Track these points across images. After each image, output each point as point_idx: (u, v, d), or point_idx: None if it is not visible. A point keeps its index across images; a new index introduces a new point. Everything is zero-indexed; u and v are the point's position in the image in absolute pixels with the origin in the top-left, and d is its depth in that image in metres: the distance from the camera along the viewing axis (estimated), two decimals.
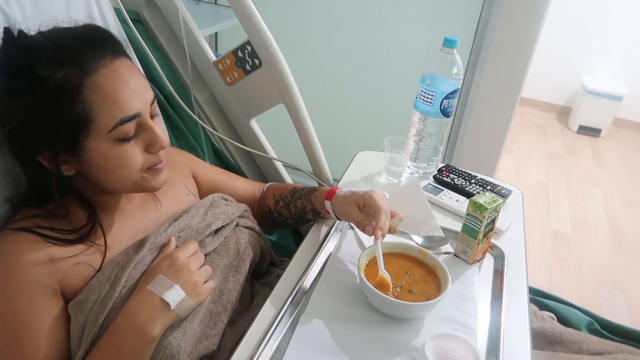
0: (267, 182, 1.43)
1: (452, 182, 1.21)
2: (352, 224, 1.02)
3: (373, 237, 0.86)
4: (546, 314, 1.10)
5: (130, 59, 0.74)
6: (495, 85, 1.75)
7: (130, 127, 0.69)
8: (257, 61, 1.15)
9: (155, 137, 0.72)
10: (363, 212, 0.89)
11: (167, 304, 0.70)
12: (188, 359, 0.75)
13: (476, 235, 0.92)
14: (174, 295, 0.71)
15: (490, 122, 1.85)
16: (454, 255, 0.97)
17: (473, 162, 1.96)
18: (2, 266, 0.68)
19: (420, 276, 0.85)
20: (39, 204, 0.75)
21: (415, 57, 1.90)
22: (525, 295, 0.90)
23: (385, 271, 0.83)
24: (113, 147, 0.69)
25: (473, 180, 1.22)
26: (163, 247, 0.79)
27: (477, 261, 0.96)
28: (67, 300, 0.72)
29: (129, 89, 0.69)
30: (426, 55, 1.14)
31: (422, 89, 1.15)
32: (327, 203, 0.94)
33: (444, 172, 1.25)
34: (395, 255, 0.89)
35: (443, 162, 1.29)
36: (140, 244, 0.78)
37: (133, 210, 0.84)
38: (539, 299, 1.18)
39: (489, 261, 0.98)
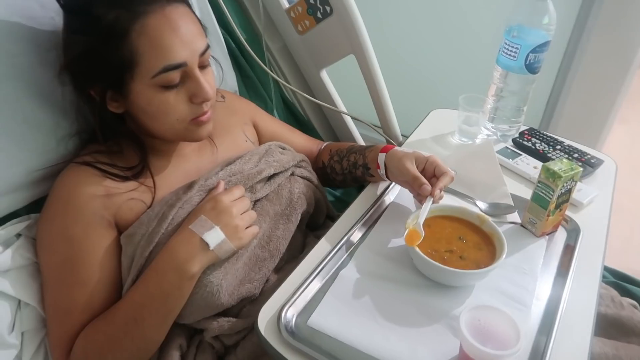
0: (336, 136, 1.42)
1: (533, 147, 1.09)
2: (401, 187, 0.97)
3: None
4: (627, 300, 0.97)
5: (188, 5, 0.73)
6: (608, 40, 1.52)
7: (174, 76, 0.69)
8: (328, 8, 1.10)
9: (200, 88, 0.72)
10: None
11: (207, 244, 0.72)
12: (229, 298, 0.77)
13: (547, 205, 0.83)
14: (214, 237, 0.72)
15: (599, 84, 1.63)
16: (521, 225, 0.89)
17: (574, 132, 1.75)
18: (63, 196, 0.74)
19: (475, 243, 0.79)
20: (104, 141, 0.80)
21: (500, 5, 1.70)
22: (597, 275, 0.80)
23: (421, 226, 0.78)
24: (156, 92, 0.70)
25: (558, 147, 1.10)
26: (212, 189, 0.81)
27: (547, 234, 0.87)
28: (121, 232, 0.76)
29: (177, 37, 0.68)
30: (513, 2, 1.01)
31: (506, 41, 1.03)
32: (382, 156, 0.90)
33: (526, 136, 1.13)
34: (449, 219, 0.84)
35: (538, 127, 1.16)
36: (190, 185, 0.80)
37: (189, 154, 0.86)
38: (622, 283, 1.05)
39: (561, 235, 0.88)
